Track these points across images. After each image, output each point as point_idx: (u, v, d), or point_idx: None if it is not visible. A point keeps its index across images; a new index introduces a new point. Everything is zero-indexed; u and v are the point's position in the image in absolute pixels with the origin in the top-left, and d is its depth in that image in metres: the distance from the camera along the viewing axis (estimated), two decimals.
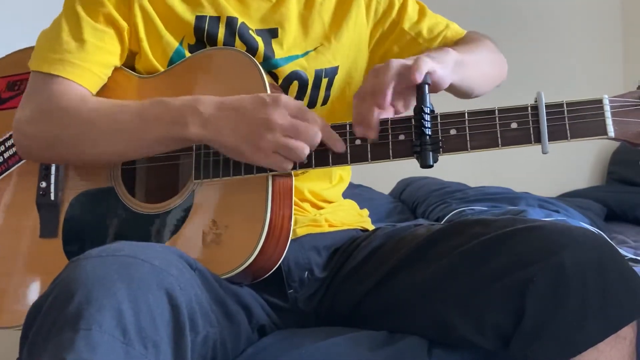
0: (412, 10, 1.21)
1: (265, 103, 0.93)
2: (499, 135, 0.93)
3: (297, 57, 1.13)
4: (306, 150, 0.94)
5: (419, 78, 0.91)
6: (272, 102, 0.93)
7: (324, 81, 1.14)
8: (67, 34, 1.07)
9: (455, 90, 1.07)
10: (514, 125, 0.93)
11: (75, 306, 0.75)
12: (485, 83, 1.15)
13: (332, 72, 1.15)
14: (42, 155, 1.07)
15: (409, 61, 0.94)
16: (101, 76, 1.08)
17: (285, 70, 1.11)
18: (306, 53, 1.14)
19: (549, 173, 2.75)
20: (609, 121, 0.91)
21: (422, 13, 1.22)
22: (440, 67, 0.96)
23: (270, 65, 1.11)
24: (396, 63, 0.94)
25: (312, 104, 1.14)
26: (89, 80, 1.07)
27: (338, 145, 0.97)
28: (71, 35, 1.07)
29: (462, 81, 1.04)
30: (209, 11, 1.10)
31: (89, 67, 1.06)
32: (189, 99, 0.98)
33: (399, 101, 0.97)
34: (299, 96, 1.13)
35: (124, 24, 1.09)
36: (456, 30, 1.23)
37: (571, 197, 2.53)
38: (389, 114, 0.96)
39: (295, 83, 1.12)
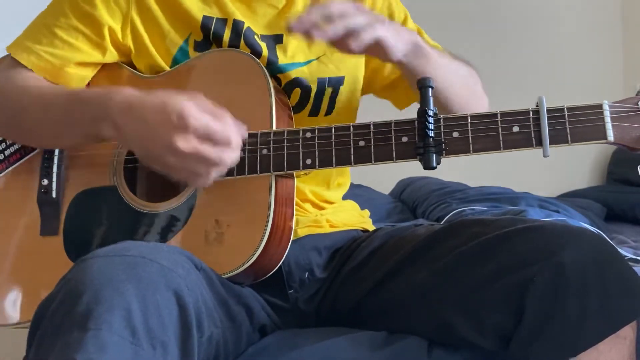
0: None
1: (172, 125, 0.89)
2: (500, 139, 0.94)
3: (299, 64, 1.13)
4: (212, 174, 0.93)
5: (357, 46, 0.94)
6: (178, 124, 0.89)
7: (328, 90, 1.14)
8: (44, 25, 1.09)
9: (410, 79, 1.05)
10: (515, 128, 0.94)
11: (83, 306, 0.75)
12: (454, 95, 1.09)
13: (337, 82, 1.15)
14: None
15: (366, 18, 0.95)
16: (66, 70, 1.09)
17: (288, 76, 1.11)
18: (309, 61, 1.14)
19: (549, 173, 2.75)
20: (609, 126, 0.92)
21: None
22: (391, 36, 0.96)
23: (273, 69, 1.10)
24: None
25: (314, 113, 1.14)
26: (48, 72, 1.08)
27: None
28: (46, 27, 1.09)
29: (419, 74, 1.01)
30: (216, 12, 1.10)
31: (52, 60, 1.08)
32: (101, 94, 0.98)
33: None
34: (301, 103, 1.13)
35: (112, 24, 1.07)
36: None
37: (571, 197, 2.53)
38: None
39: (298, 90, 1.12)
